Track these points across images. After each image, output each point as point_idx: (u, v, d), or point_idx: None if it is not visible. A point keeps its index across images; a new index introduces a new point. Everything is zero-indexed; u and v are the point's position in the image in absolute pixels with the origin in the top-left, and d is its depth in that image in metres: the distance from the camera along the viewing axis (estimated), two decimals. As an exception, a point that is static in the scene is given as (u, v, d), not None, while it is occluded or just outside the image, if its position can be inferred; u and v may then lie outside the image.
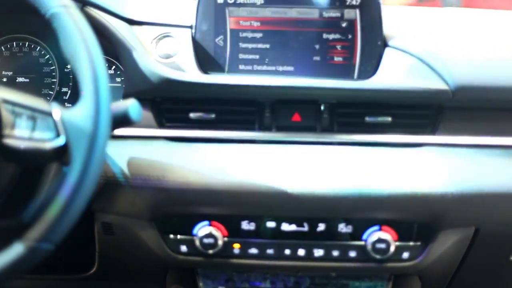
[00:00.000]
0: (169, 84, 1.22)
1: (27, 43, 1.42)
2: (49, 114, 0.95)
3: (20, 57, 1.42)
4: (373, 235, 1.20)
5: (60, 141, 0.93)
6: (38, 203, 1.03)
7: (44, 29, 1.32)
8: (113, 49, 1.26)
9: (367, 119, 1.24)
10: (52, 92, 1.40)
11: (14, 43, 1.42)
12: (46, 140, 0.93)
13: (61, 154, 0.93)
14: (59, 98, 1.41)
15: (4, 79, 1.41)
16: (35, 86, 1.41)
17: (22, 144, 0.92)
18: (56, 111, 0.95)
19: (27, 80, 1.41)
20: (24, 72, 1.42)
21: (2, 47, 1.42)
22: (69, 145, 0.92)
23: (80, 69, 0.95)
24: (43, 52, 1.41)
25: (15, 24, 1.38)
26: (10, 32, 1.41)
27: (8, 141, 0.92)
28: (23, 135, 0.93)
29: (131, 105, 1.03)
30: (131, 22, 1.30)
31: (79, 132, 0.92)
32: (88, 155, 0.91)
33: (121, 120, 1.03)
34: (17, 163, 0.99)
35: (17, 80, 1.41)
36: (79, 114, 0.94)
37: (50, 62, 1.41)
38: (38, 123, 0.94)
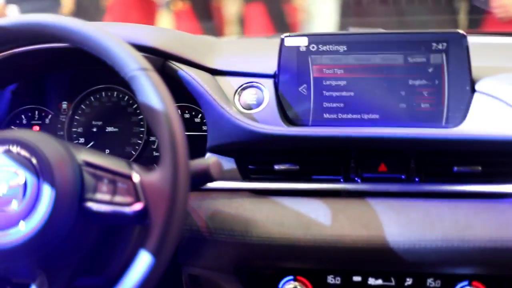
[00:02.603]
0: (253, 137, 1.22)
1: (115, 92, 1.45)
2: (129, 178, 0.98)
3: (109, 106, 1.45)
4: (462, 290, 1.17)
5: (140, 205, 0.96)
6: (123, 260, 1.06)
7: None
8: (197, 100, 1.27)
9: (456, 168, 1.20)
10: (140, 141, 1.43)
11: (103, 93, 1.45)
12: (126, 204, 0.96)
13: (142, 218, 0.96)
14: (148, 147, 1.43)
15: (94, 129, 1.45)
16: (124, 135, 1.44)
17: (103, 208, 0.96)
18: (136, 175, 0.98)
19: (116, 129, 1.45)
20: (113, 121, 1.45)
21: (92, 97, 1.45)
22: (149, 209, 0.95)
23: (159, 134, 0.98)
24: (131, 102, 1.44)
25: (104, 74, 1.40)
26: (99, 83, 1.45)
27: (90, 205, 0.97)
28: (104, 199, 0.97)
29: (212, 163, 1.05)
30: (213, 72, 1.31)
31: (158, 196, 0.95)
32: (168, 219, 0.93)
33: (202, 178, 1.04)
34: (99, 225, 1.03)
35: (106, 130, 1.45)
36: (157, 179, 0.96)
37: (138, 111, 1.43)
38: (118, 186, 0.98)
